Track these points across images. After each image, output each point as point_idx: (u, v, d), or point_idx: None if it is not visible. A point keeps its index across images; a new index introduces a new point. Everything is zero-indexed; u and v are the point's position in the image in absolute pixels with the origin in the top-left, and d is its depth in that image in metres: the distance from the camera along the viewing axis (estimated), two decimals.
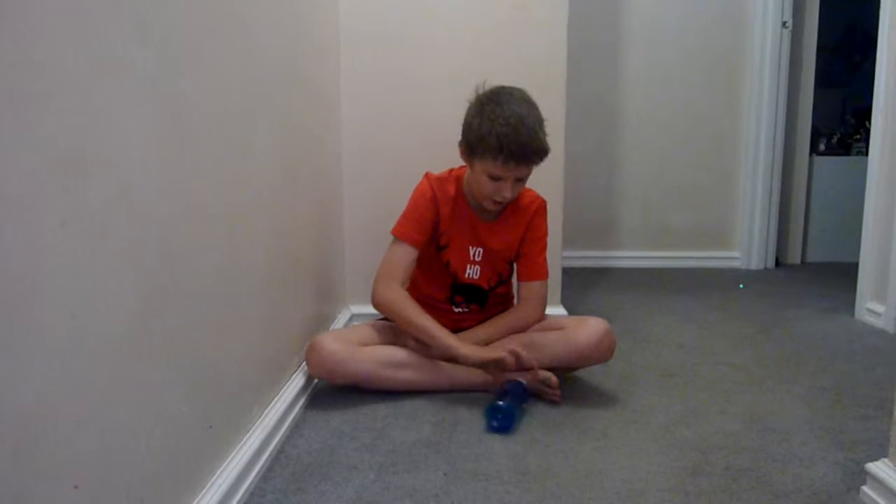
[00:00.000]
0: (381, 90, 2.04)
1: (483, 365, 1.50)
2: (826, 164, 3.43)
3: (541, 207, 1.69)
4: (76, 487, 0.66)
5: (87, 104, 0.68)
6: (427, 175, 1.66)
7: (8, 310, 0.57)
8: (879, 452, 1.12)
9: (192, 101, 0.94)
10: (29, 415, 0.60)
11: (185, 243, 0.92)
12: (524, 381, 1.50)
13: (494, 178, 1.52)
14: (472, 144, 1.53)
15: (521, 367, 1.49)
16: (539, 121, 1.51)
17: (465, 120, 1.57)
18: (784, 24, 3.08)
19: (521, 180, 1.55)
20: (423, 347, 1.55)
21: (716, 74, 3.23)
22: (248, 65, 1.19)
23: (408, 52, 2.02)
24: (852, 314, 2.34)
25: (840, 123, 3.82)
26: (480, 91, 1.57)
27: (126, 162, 0.76)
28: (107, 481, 0.72)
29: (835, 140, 3.60)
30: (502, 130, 1.46)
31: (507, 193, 1.52)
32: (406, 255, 1.59)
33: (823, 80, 3.44)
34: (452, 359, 1.53)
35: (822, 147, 3.51)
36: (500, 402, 1.38)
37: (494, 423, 1.37)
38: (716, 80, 3.24)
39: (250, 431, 1.18)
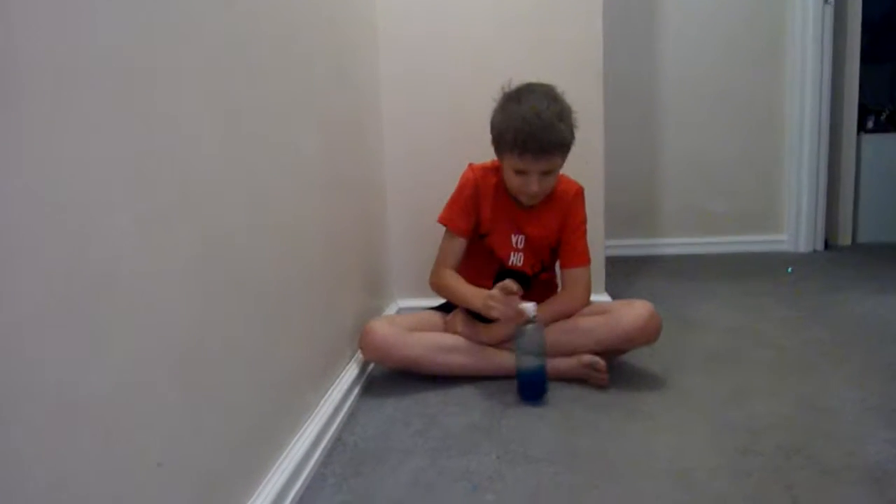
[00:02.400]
0: (419, 89, 2.07)
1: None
2: (875, 141, 3.34)
3: (577, 194, 1.71)
4: (160, 465, 0.71)
5: (153, 113, 0.73)
6: (470, 165, 1.72)
7: (92, 302, 0.62)
8: None
9: (246, 107, 0.99)
10: (116, 400, 0.65)
11: (245, 239, 0.98)
12: (533, 317, 1.46)
13: (519, 173, 1.56)
14: (496, 141, 1.60)
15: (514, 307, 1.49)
16: (559, 114, 1.53)
17: (491, 119, 1.61)
18: (826, 0, 3.01)
19: (548, 173, 1.57)
20: (472, 333, 1.61)
21: (756, 54, 3.18)
22: (297, 71, 1.24)
23: (444, 49, 2.05)
24: None
25: (889, 100, 3.72)
26: (506, 90, 1.61)
27: (188, 166, 0.81)
28: (185, 461, 0.78)
29: (883, 117, 3.50)
30: (518, 125, 1.50)
31: (533, 187, 1.56)
32: (455, 245, 1.70)
33: (870, 55, 3.35)
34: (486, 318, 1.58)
35: (870, 125, 3.43)
36: (524, 370, 1.48)
37: (530, 400, 1.47)
38: (757, 60, 3.18)
39: (309, 419, 1.24)
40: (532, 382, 1.48)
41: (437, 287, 1.71)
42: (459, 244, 1.69)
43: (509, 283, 1.50)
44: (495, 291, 1.51)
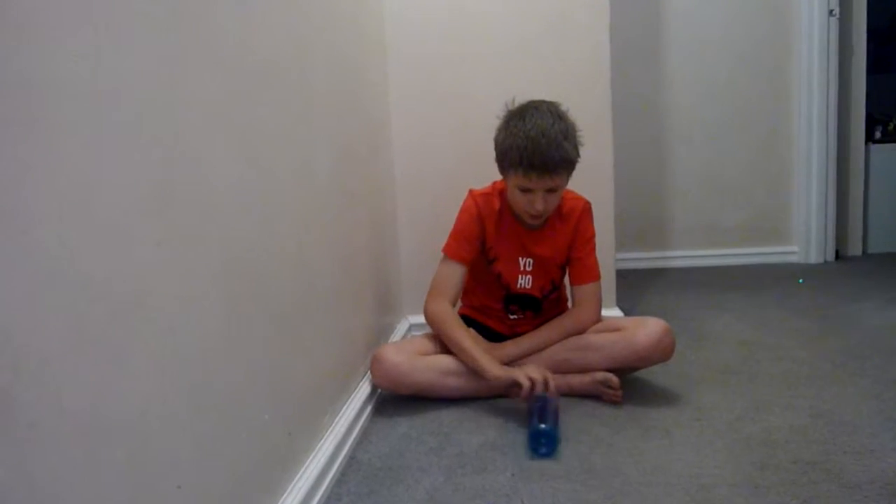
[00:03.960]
0: (428, 110, 2.08)
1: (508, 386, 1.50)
2: (883, 151, 3.34)
3: (585, 209, 1.70)
4: (179, 487, 0.72)
5: (173, 135, 0.74)
6: (471, 192, 1.70)
7: (115, 325, 0.63)
8: None
9: (262, 131, 1.00)
10: (137, 420, 0.66)
11: (262, 261, 0.98)
12: (551, 398, 1.42)
13: (524, 191, 1.55)
14: (500, 159, 1.58)
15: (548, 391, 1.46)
16: (564, 132, 1.51)
17: (495, 137, 1.61)
18: (831, 12, 3.03)
19: (553, 191, 1.55)
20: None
21: (763, 67, 3.19)
22: (310, 95, 1.25)
23: (453, 71, 2.07)
24: None
25: None
26: (510, 107, 1.60)
27: (208, 187, 0.82)
28: (204, 483, 0.78)
29: (891, 127, 3.50)
30: (522, 143, 1.49)
31: (538, 206, 1.54)
32: (454, 273, 1.64)
33: (877, 66, 3.35)
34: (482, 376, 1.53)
35: (878, 135, 3.42)
36: (543, 426, 1.31)
37: (543, 450, 1.30)
38: (763, 73, 3.19)
39: (323, 438, 1.23)
40: (544, 433, 1.31)
41: (433, 318, 1.62)
42: (459, 272, 1.64)
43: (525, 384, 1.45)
44: (524, 378, 1.45)
